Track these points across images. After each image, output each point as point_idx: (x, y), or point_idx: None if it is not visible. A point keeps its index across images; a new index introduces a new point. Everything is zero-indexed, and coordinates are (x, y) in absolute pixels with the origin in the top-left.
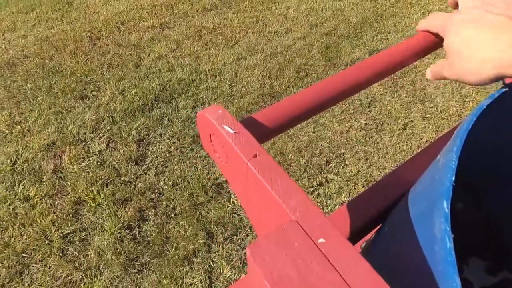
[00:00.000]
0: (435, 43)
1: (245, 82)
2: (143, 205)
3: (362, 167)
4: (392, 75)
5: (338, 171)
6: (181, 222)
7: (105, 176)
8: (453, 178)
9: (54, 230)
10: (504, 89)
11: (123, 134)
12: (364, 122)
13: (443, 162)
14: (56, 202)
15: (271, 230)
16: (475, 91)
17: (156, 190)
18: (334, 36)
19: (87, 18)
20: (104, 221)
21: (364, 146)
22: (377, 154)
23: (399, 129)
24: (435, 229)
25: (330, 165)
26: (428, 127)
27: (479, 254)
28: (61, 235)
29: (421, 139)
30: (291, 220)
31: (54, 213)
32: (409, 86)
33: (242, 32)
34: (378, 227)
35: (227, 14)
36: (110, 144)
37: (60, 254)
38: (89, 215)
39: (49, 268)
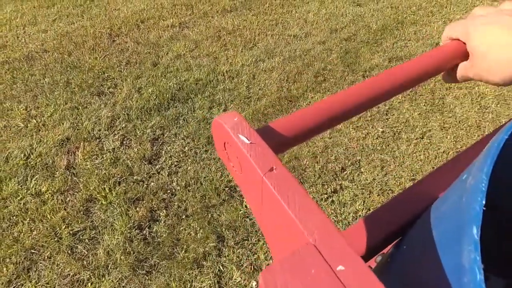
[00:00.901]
0: (459, 51)
1: (263, 85)
2: (154, 205)
3: (377, 175)
4: None
5: (353, 179)
6: (192, 224)
7: (118, 174)
8: (484, 202)
9: (64, 227)
10: None
11: (138, 132)
12: (381, 129)
13: (471, 183)
14: (68, 199)
15: (286, 254)
16: (495, 102)
17: (169, 191)
18: (353, 41)
19: (107, 15)
20: (114, 220)
21: (381, 154)
22: (393, 163)
23: (417, 138)
24: (463, 257)
25: (345, 172)
26: (446, 137)
27: (496, 273)
28: (71, 232)
29: (439, 149)
30: (308, 243)
31: (65, 209)
32: (428, 95)
33: (261, 35)
34: (395, 241)
35: (247, 16)
36: (124, 142)
37: (69, 251)
38: (100, 213)
39: (57, 266)
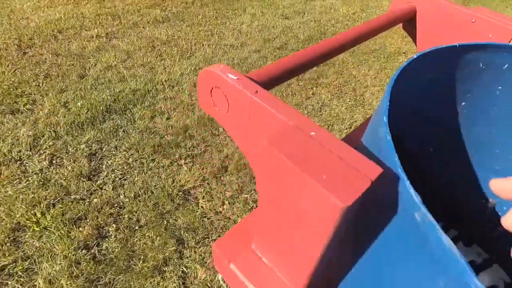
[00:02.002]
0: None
1: None
2: (101, 222)
3: None
4: (336, 83)
5: None
6: (147, 234)
7: (51, 196)
8: (388, 103)
9: None
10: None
11: (70, 149)
12: (317, 123)
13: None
14: None
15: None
16: None
17: (116, 204)
18: (285, 50)
19: (12, 25)
20: (53, 245)
21: None
22: None
23: (346, 128)
24: (381, 141)
25: None
26: None
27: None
28: None
29: None
30: (290, 125)
31: None
32: (351, 92)
33: (198, 44)
34: None
35: (181, 27)
36: (54, 161)
37: None
38: (33, 241)
39: None
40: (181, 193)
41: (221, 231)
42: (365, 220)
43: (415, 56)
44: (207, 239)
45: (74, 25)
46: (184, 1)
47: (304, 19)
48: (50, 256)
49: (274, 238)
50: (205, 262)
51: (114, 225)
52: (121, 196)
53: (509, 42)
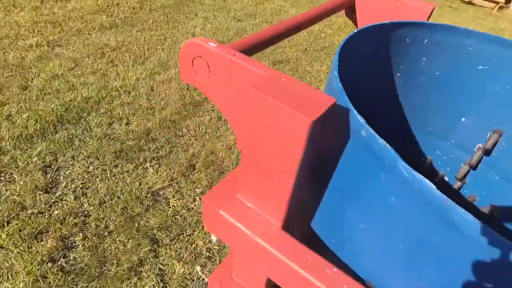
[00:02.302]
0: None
1: (164, 95)
2: (65, 233)
3: None
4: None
5: None
6: (118, 238)
7: (4, 213)
8: (338, 62)
9: None
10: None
11: (20, 163)
12: None
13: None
14: None
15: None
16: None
17: (80, 214)
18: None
19: None
20: (13, 262)
21: None
22: None
23: None
24: (334, 89)
25: None
26: None
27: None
28: None
29: None
30: (264, 75)
31: None
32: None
33: (151, 49)
34: None
35: (130, 32)
36: (2, 177)
37: None
38: None
39: None
40: (150, 195)
41: (195, 225)
42: (327, 154)
43: (355, 31)
44: (181, 235)
45: (8, 35)
46: (131, 7)
47: (256, 21)
48: (11, 275)
49: (255, 182)
50: (182, 257)
51: (80, 234)
52: (85, 205)
53: (427, 20)
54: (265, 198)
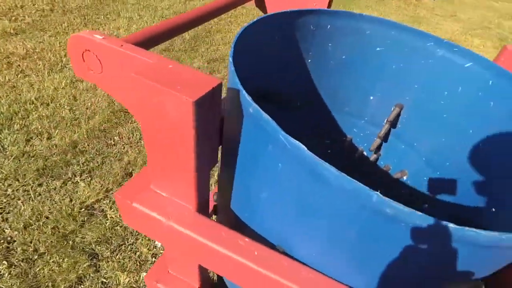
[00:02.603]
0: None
1: (89, 104)
2: None
3: None
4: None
5: None
6: (51, 259)
7: None
8: (233, 50)
9: None
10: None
11: None
12: None
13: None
14: None
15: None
16: None
17: (2, 241)
18: (172, 51)
19: None
20: None
21: None
22: None
23: None
24: (230, 73)
25: None
26: None
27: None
28: None
29: None
30: (151, 63)
31: None
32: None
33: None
34: None
35: (42, 38)
36: None
37: None
38: None
39: None
40: (83, 210)
41: (138, 234)
42: (228, 134)
43: (255, 20)
44: (123, 246)
45: None
46: (39, 9)
47: None
48: None
49: (161, 169)
50: (126, 267)
51: (5, 262)
52: (7, 231)
53: (328, 8)
54: (174, 184)
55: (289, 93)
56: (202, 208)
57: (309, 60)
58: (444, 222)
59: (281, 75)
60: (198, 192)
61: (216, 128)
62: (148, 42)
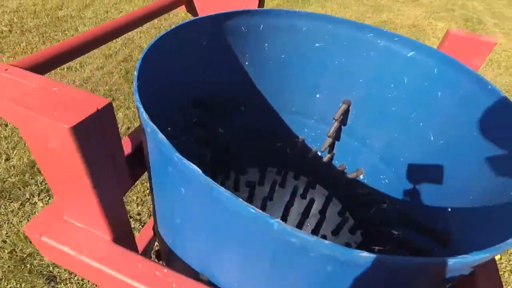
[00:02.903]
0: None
1: None
2: None
3: None
4: None
5: None
6: (8, 285)
7: None
8: (137, 74)
9: None
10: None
11: None
12: None
13: None
14: None
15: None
16: None
17: None
18: (131, 61)
19: None
20: None
21: None
22: None
23: None
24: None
25: None
26: None
27: None
28: None
29: None
30: (32, 87)
31: None
32: None
33: None
34: None
35: (1, 60)
36: None
37: None
38: None
39: None
40: None
41: None
42: (147, 164)
43: (177, 25)
44: None
45: None
46: None
47: (144, 28)
48: None
49: (66, 197)
50: (85, 286)
51: None
52: None
53: (258, 7)
54: (82, 213)
55: (231, 99)
56: (122, 237)
57: (247, 63)
58: (356, 251)
59: (218, 81)
60: (109, 220)
61: (116, 150)
62: (46, 64)
